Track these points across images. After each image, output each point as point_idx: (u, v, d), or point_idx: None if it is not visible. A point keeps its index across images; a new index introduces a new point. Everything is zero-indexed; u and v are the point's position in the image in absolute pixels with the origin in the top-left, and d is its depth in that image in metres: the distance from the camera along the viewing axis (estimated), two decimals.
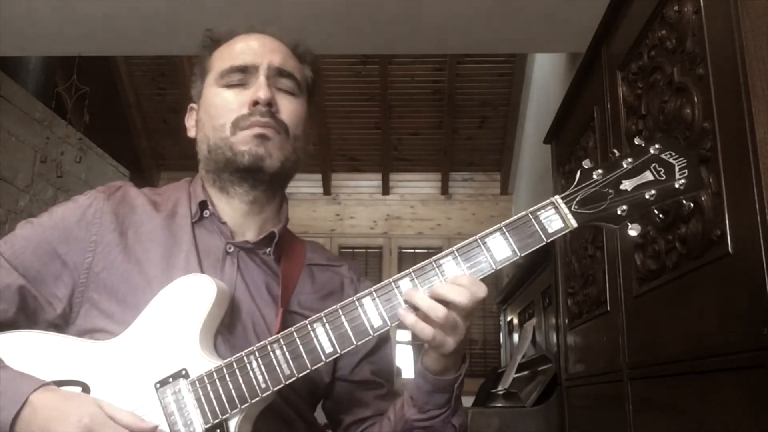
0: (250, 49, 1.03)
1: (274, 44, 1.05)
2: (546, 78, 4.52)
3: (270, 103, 0.98)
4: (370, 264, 5.95)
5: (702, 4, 1.13)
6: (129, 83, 5.55)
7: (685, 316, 1.17)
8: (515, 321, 3.60)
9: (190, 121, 1.09)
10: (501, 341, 4.25)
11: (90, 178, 4.57)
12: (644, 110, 1.39)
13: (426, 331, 0.82)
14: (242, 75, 1.00)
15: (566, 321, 2.16)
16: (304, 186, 6.12)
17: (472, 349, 5.61)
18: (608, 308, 1.65)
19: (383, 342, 1.10)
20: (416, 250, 5.95)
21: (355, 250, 6.03)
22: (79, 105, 4.10)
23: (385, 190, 6.17)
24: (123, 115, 5.70)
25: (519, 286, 3.37)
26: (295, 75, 1.04)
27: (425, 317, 0.81)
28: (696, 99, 1.14)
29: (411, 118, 5.73)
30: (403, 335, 6.30)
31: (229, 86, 1.01)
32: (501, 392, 2.90)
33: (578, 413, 2.07)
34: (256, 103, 0.98)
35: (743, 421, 0.96)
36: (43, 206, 4.08)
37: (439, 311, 0.80)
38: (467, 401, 3.72)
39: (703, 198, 1.09)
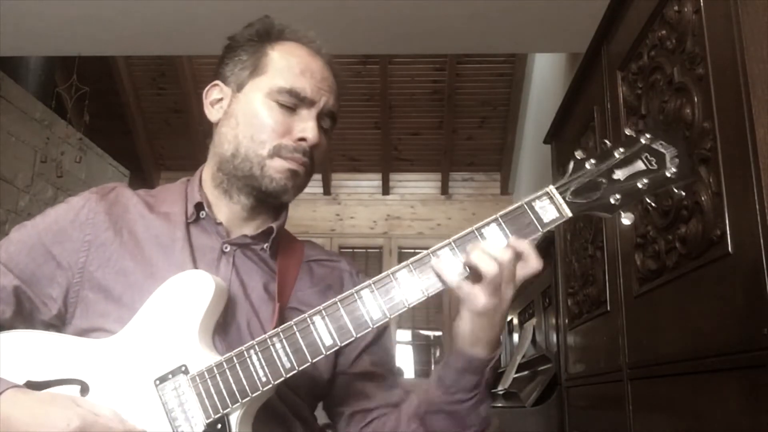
0: (312, 77, 1.01)
1: (331, 79, 1.05)
2: (546, 78, 4.52)
3: (313, 145, 1.00)
4: (370, 264, 5.94)
5: (702, 4, 1.13)
6: (129, 83, 5.54)
7: (685, 316, 1.17)
8: (515, 321, 3.60)
9: (209, 97, 1.05)
10: (501, 341, 4.24)
11: (90, 178, 4.57)
12: (644, 110, 1.39)
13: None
14: (297, 100, 1.00)
15: (566, 321, 2.16)
16: None
17: None
18: (608, 308, 1.65)
19: (382, 333, 1.09)
20: (416, 250, 5.89)
21: (355, 250, 6.02)
22: (79, 105, 4.10)
23: (385, 190, 6.17)
24: (123, 115, 5.70)
25: (519, 286, 3.36)
26: (336, 115, 1.05)
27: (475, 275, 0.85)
28: (696, 99, 1.14)
29: (411, 118, 5.73)
30: (402, 335, 6.30)
31: (279, 104, 0.99)
32: (501, 392, 2.90)
33: (578, 413, 2.07)
34: (302, 139, 0.98)
35: (743, 421, 0.96)
36: (43, 206, 4.07)
37: (491, 266, 0.85)
38: None
39: (703, 198, 1.09)
